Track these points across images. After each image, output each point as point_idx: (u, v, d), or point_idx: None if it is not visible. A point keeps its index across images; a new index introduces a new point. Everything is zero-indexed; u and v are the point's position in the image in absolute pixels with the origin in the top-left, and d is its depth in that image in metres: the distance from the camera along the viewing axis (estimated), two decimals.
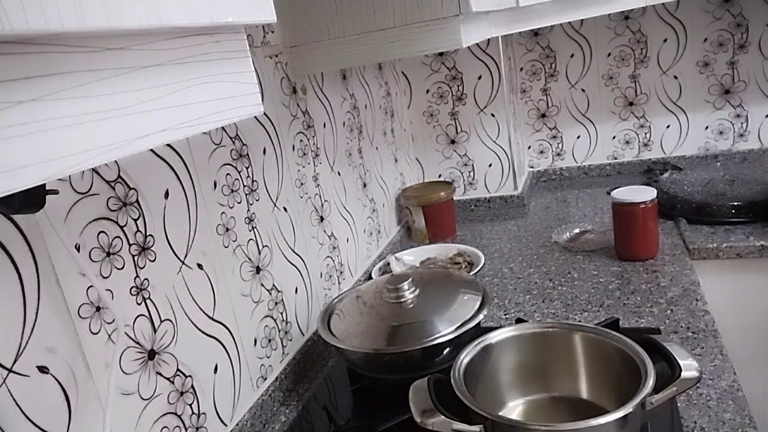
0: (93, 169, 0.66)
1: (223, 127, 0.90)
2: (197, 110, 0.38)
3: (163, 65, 0.35)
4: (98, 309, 0.65)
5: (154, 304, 0.74)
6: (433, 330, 0.86)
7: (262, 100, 1.00)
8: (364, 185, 1.43)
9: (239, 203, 0.93)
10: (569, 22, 1.77)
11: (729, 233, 1.28)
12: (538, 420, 0.78)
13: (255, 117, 0.98)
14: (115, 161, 0.70)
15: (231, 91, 0.42)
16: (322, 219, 1.20)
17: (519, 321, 0.87)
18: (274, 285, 1.01)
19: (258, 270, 0.96)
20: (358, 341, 0.89)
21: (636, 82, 1.78)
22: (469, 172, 1.77)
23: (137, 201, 0.72)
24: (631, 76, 1.78)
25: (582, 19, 1.72)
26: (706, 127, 1.76)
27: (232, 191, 0.91)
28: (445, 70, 1.69)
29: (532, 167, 1.97)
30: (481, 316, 0.89)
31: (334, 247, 1.25)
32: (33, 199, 0.47)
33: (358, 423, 0.89)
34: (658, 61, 1.74)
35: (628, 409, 0.62)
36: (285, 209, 1.06)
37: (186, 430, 0.78)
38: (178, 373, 0.77)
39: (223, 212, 0.89)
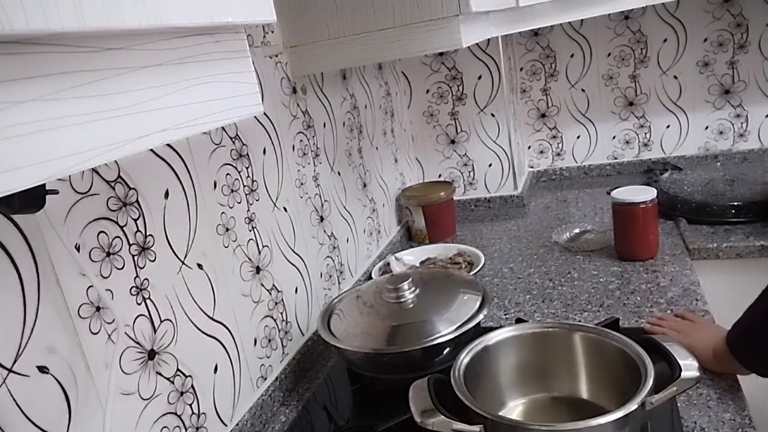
0: (93, 169, 0.66)
1: (223, 127, 0.90)
2: (197, 110, 0.38)
3: (163, 65, 0.35)
4: (98, 309, 0.65)
5: (154, 304, 0.74)
6: (433, 330, 0.86)
7: (262, 100, 1.00)
8: (364, 185, 1.43)
9: (239, 203, 0.93)
10: (569, 22, 1.77)
11: (729, 233, 1.28)
12: (538, 420, 0.78)
13: (255, 117, 0.98)
14: (115, 161, 0.70)
15: (231, 91, 0.42)
16: (322, 219, 1.20)
17: (519, 321, 0.87)
18: (274, 285, 1.01)
19: (258, 270, 0.96)
20: (358, 341, 0.89)
21: (636, 82, 1.78)
22: (469, 172, 1.77)
23: (137, 201, 0.72)
24: (631, 76, 1.78)
25: (582, 19, 1.72)
26: (706, 127, 1.76)
27: (232, 191, 0.91)
28: (445, 70, 1.69)
29: (532, 167, 1.97)
30: (481, 316, 0.89)
31: (334, 247, 1.25)
32: (33, 199, 0.47)
33: (358, 423, 0.89)
34: (658, 61, 1.74)
35: (628, 409, 0.62)
36: (285, 209, 1.06)
37: (186, 430, 0.78)
38: (178, 373, 0.77)
39: (223, 212, 0.89)
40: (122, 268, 0.69)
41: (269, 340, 0.98)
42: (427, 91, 1.73)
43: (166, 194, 0.77)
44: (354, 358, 0.92)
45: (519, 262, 1.35)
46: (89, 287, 0.64)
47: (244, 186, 0.94)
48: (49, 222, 0.60)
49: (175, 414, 0.76)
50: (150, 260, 0.73)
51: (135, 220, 0.72)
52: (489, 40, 1.61)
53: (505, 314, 1.13)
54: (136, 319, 0.71)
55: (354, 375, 0.99)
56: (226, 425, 0.86)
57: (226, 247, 0.89)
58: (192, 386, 0.80)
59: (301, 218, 1.11)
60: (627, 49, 1.75)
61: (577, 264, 1.28)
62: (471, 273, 1.28)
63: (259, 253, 0.97)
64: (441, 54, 1.68)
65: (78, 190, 0.64)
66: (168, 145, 0.79)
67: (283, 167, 1.06)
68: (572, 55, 1.81)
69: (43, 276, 0.59)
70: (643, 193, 1.18)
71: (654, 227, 1.21)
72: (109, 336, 0.66)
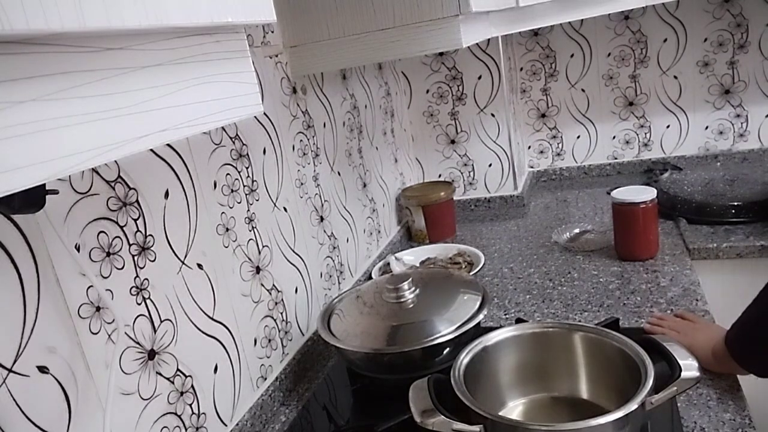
0: (93, 169, 0.66)
1: (223, 127, 0.90)
2: (197, 110, 0.38)
3: (163, 65, 0.35)
4: (98, 309, 0.65)
5: (154, 304, 0.74)
6: (433, 330, 0.86)
7: (262, 100, 1.00)
8: (364, 185, 1.43)
9: (239, 203, 0.93)
10: (569, 22, 1.77)
11: (729, 233, 1.28)
12: (538, 420, 0.78)
13: (255, 117, 0.98)
14: (115, 161, 0.70)
15: (231, 91, 0.42)
16: (322, 219, 1.20)
17: (519, 321, 0.87)
18: (274, 285, 1.01)
19: (258, 270, 0.96)
20: (358, 341, 0.89)
21: (636, 82, 1.78)
22: (469, 172, 1.77)
23: (137, 201, 0.72)
24: (631, 76, 1.78)
25: (582, 19, 1.72)
26: (706, 127, 1.76)
27: (232, 191, 0.91)
28: (445, 70, 1.69)
29: (532, 167, 1.97)
30: (481, 316, 0.89)
31: (334, 247, 1.25)
32: (33, 199, 0.47)
33: (358, 423, 0.89)
34: (658, 61, 1.74)
35: (628, 409, 0.62)
36: (285, 209, 1.06)
37: (186, 430, 0.78)
38: (178, 373, 0.77)
39: (223, 212, 0.89)
40: (122, 268, 0.69)
41: (269, 340, 0.98)
42: (427, 91, 1.73)
43: (166, 194, 0.77)
44: (354, 358, 0.92)
45: (519, 262, 1.35)
46: (89, 287, 0.64)
47: (244, 186, 0.94)
48: (49, 222, 0.60)
49: (175, 414, 0.76)
50: (150, 260, 0.73)
51: (135, 220, 0.72)
52: (489, 40, 1.61)
53: (505, 314, 1.13)
54: (136, 319, 0.71)
55: (354, 375, 0.99)
56: (226, 425, 0.86)
57: (226, 247, 0.89)
58: (192, 386, 0.80)
59: (301, 218, 1.11)
60: (627, 49, 1.75)
61: (577, 264, 1.28)
62: (471, 273, 1.28)
63: (259, 253, 0.97)
64: (441, 54, 1.68)
65: (78, 190, 0.64)
66: (168, 145, 0.79)
67: (283, 167, 1.06)
68: (572, 55, 1.81)
69: (43, 276, 0.59)
70: (643, 193, 1.18)
71: (654, 227, 1.21)
72: (109, 336, 0.66)
